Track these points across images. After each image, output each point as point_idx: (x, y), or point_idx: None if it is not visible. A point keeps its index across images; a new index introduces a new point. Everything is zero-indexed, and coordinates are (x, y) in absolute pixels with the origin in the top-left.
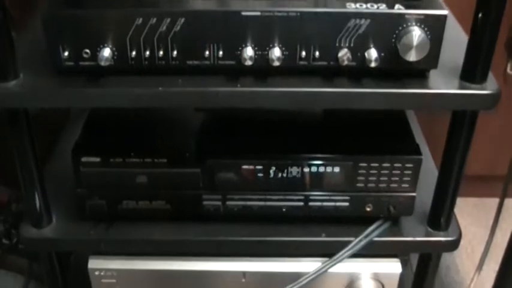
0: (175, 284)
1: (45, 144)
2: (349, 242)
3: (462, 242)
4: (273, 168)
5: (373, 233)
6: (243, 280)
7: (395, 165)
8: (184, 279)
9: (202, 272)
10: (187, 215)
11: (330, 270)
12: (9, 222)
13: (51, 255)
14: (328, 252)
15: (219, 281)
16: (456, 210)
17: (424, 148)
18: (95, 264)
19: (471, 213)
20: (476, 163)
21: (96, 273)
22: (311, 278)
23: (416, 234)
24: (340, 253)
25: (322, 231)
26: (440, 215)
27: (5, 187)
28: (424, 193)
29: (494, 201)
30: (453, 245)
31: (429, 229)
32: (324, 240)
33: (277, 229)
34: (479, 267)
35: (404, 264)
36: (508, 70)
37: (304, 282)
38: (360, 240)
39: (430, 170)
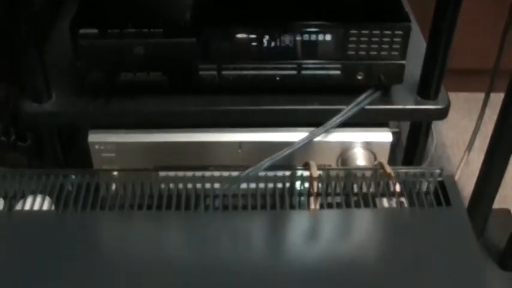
0: (173, 156)
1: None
2: (341, 110)
3: (453, 135)
4: (267, 36)
5: (364, 101)
6: (239, 151)
7: (385, 32)
8: (182, 151)
9: (200, 143)
10: (184, 87)
11: (324, 139)
12: (6, 119)
13: (51, 132)
14: (321, 120)
15: (216, 152)
16: None
17: (413, 20)
18: (95, 138)
19: (463, 107)
20: (467, 57)
21: (96, 147)
22: (303, 143)
23: (406, 103)
24: (332, 120)
25: (315, 100)
26: (429, 83)
27: (2, 82)
28: (414, 65)
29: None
30: (442, 114)
31: (419, 98)
32: (317, 109)
33: (271, 98)
34: (469, 147)
35: (396, 138)
36: None
37: (296, 147)
38: (352, 108)
39: (419, 42)
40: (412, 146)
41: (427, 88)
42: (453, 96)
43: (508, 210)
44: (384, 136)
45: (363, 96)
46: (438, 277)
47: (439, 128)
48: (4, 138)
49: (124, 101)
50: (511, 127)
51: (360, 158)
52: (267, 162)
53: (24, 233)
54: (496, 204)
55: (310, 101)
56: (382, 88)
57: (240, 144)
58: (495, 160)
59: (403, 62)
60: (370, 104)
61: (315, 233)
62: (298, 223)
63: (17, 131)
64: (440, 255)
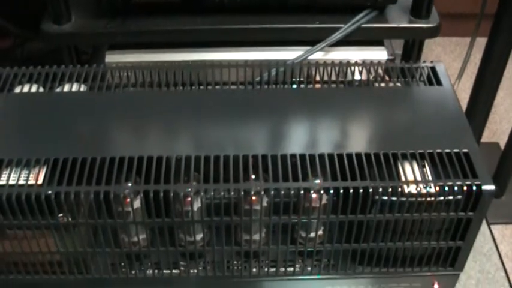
0: None
1: None
2: (340, 28)
3: None
4: None
5: (361, 20)
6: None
7: None
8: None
9: (210, 61)
10: (196, 7)
11: (323, 57)
12: (17, 63)
13: (70, 51)
14: (323, 38)
15: (224, 70)
16: (440, 48)
17: None
18: (112, 58)
19: (454, 50)
20: (458, 2)
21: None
22: (305, 57)
23: (400, 22)
24: (332, 36)
25: (316, 19)
26: (421, 3)
27: (11, 25)
28: None
29: (477, 40)
30: (433, 32)
31: (412, 17)
32: (318, 27)
33: (276, 18)
34: (459, 76)
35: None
36: None
37: (298, 60)
38: (350, 26)
39: None
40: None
41: (419, 8)
42: (445, 40)
43: (497, 144)
44: (379, 54)
45: (360, 15)
46: (430, 133)
47: None
48: None
49: (139, 20)
50: (493, 66)
51: (357, 75)
52: (272, 72)
53: (64, 104)
54: (487, 139)
55: (312, 20)
56: (378, 8)
57: (247, 62)
58: (481, 93)
59: None
60: (367, 22)
61: (322, 101)
62: (306, 95)
63: None
64: (432, 118)
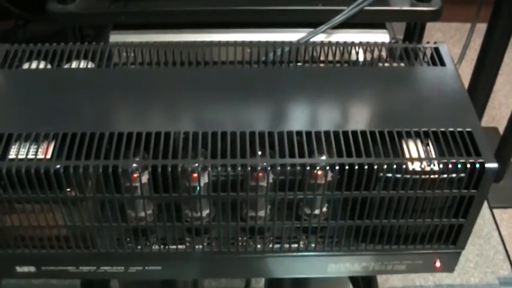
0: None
1: None
2: (343, 10)
3: None
4: None
5: (364, 2)
6: (248, 50)
7: None
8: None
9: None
10: None
11: (326, 39)
12: (22, 41)
13: (74, 32)
14: (326, 20)
15: (230, 49)
16: (440, 33)
17: None
18: (116, 38)
19: (454, 36)
20: None
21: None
22: (307, 39)
23: (402, 5)
24: (335, 18)
25: (319, 1)
26: None
27: (13, 6)
28: None
29: (477, 26)
30: (435, 15)
31: (414, 1)
32: (321, 9)
33: None
34: (459, 61)
35: None
36: None
37: (303, 41)
38: (352, 9)
39: None
40: None
41: None
42: (446, 25)
43: (496, 129)
44: (381, 37)
45: None
46: (434, 112)
47: None
48: None
49: (143, 1)
50: (492, 52)
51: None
52: (278, 52)
53: (72, 80)
54: (486, 124)
55: (315, 2)
56: None
57: (251, 42)
58: (480, 78)
59: None
60: (369, 5)
61: (327, 80)
62: (311, 74)
63: None
64: (435, 98)
